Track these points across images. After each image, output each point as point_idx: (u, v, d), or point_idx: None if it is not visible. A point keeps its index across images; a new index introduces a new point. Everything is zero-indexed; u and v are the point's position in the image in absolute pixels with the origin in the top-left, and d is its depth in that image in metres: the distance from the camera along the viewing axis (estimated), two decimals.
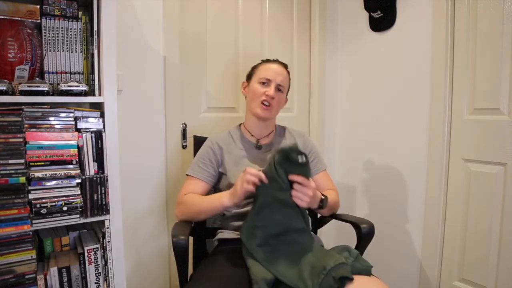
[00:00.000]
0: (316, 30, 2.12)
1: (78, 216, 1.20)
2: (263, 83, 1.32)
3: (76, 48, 1.29)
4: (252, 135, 1.38)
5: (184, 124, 1.78)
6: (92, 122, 1.25)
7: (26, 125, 1.15)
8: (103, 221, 1.27)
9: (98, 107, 1.31)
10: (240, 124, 1.44)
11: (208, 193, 1.34)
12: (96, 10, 1.25)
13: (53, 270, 1.20)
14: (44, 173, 1.15)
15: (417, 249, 1.81)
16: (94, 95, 1.28)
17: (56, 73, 1.27)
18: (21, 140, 1.13)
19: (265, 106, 1.31)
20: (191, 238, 1.33)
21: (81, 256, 1.25)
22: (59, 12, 1.27)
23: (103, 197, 1.25)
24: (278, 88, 1.33)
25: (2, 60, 1.20)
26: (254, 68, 1.40)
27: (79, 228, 1.36)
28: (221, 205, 1.17)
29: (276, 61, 1.39)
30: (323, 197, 1.18)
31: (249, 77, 1.41)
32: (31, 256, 1.17)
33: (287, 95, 1.41)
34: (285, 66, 1.40)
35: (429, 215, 1.74)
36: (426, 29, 1.71)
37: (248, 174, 1.07)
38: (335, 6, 2.17)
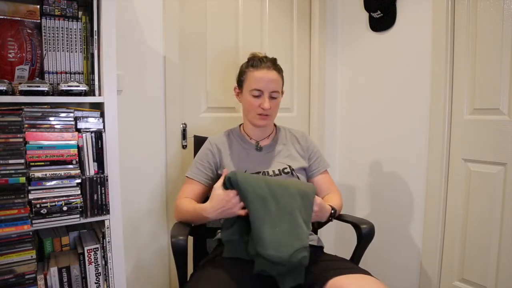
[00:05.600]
0: (316, 30, 2.12)
1: (78, 216, 1.20)
2: (255, 95, 1.26)
3: (76, 48, 1.29)
4: (251, 138, 1.38)
5: (184, 124, 1.78)
6: (92, 122, 1.25)
7: (26, 125, 1.15)
8: (103, 221, 1.27)
9: (98, 107, 1.31)
10: (240, 125, 1.43)
11: (207, 195, 1.34)
12: (96, 10, 1.25)
13: (53, 270, 1.20)
14: (44, 173, 1.15)
15: (417, 249, 1.82)
16: (94, 95, 1.28)
17: (56, 73, 1.27)
18: (21, 140, 1.13)
19: (263, 116, 1.28)
20: (191, 238, 1.34)
21: (81, 256, 1.25)
22: (59, 12, 1.27)
23: (103, 197, 1.25)
24: (272, 96, 1.27)
25: (2, 60, 1.20)
26: (243, 73, 1.31)
27: (79, 228, 1.36)
28: (204, 218, 1.16)
29: (264, 62, 1.27)
30: (332, 211, 1.19)
31: (239, 83, 1.34)
32: (31, 256, 1.17)
33: (282, 90, 1.35)
34: (274, 64, 1.29)
35: (429, 215, 1.74)
36: (426, 29, 1.71)
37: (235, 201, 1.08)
38: (335, 6, 2.17)
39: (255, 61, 1.29)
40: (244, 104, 1.34)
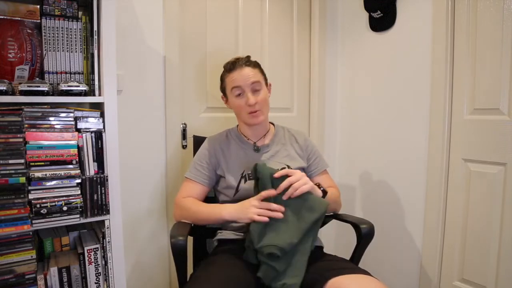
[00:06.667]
0: (316, 30, 2.12)
1: (78, 216, 1.20)
2: (238, 94, 1.28)
3: (76, 48, 1.29)
4: (248, 139, 1.38)
5: (184, 124, 1.78)
6: (92, 122, 1.25)
7: (26, 125, 1.15)
8: (103, 221, 1.27)
9: (98, 107, 1.31)
10: (238, 125, 1.44)
11: (206, 195, 1.34)
12: (96, 10, 1.25)
13: (53, 270, 1.20)
14: (44, 173, 1.15)
15: (417, 249, 1.81)
16: (94, 95, 1.28)
17: (56, 73, 1.27)
18: (21, 140, 1.13)
19: (253, 114, 1.29)
20: (190, 238, 1.34)
21: (81, 256, 1.25)
22: (59, 12, 1.27)
23: (103, 197, 1.25)
24: (255, 89, 1.28)
25: (2, 60, 1.21)
26: (222, 80, 1.35)
27: (79, 228, 1.36)
28: (221, 219, 1.19)
29: (237, 63, 1.30)
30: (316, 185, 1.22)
31: (223, 90, 1.37)
32: (31, 256, 1.17)
33: (266, 82, 1.36)
34: (248, 61, 1.31)
35: (429, 215, 1.74)
36: (426, 29, 1.71)
37: (259, 208, 1.11)
38: (335, 6, 2.17)
39: (229, 65, 1.32)
40: (233, 109, 1.35)
